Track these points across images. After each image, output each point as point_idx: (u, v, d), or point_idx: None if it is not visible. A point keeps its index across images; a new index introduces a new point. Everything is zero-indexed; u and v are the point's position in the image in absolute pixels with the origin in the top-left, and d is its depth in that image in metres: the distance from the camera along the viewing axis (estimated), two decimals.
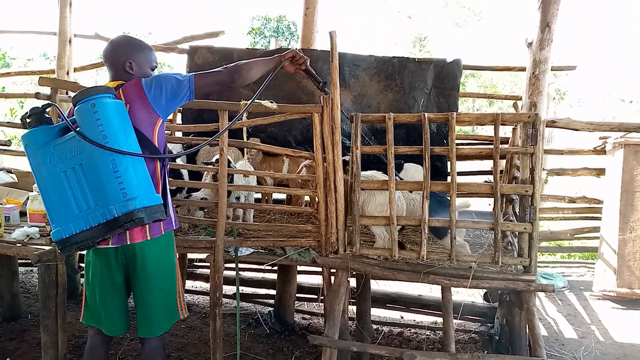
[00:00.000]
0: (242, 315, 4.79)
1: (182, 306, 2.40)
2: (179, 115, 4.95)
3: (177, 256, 2.42)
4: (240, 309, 4.95)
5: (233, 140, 3.27)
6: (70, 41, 5.53)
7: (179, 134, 4.56)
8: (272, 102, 3.04)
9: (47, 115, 2.13)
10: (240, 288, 5.29)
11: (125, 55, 2.30)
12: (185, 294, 5.03)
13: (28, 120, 2.11)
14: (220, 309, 3.16)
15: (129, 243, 2.20)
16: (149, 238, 2.22)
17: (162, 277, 2.30)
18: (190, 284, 5.37)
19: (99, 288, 2.26)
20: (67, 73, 5.55)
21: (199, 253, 3.26)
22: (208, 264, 4.62)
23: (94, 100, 2.00)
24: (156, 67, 2.45)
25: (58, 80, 5.22)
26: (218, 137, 2.97)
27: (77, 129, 1.99)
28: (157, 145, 2.24)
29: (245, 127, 3.75)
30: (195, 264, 5.57)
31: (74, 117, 2.06)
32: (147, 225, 2.19)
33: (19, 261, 4.51)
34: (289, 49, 4.83)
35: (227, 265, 3.28)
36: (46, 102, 2.13)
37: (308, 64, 2.57)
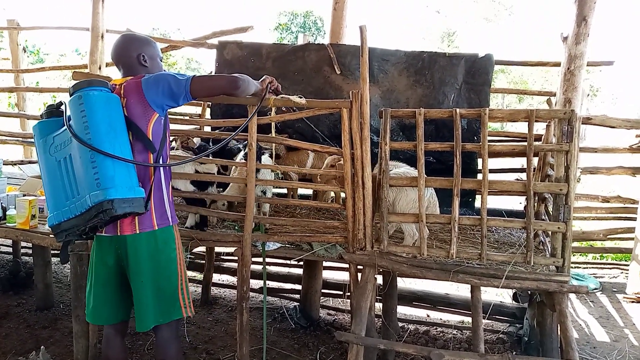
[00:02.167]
0: (268, 309, 4.82)
1: (185, 304, 2.35)
2: (208, 110, 4.99)
3: (180, 252, 2.39)
4: (266, 304, 4.99)
5: (261, 135, 3.27)
6: (102, 37, 5.63)
7: (207, 129, 4.59)
8: (300, 98, 3.03)
9: (60, 110, 2.22)
10: (267, 282, 5.33)
11: (137, 50, 2.37)
12: (212, 287, 5.08)
13: (44, 114, 2.25)
14: (247, 303, 3.17)
15: (119, 234, 2.24)
16: (137, 232, 2.23)
17: (156, 272, 2.28)
18: (217, 278, 5.42)
19: (92, 274, 2.34)
20: (99, 68, 5.65)
21: (227, 247, 3.27)
22: (235, 258, 4.67)
23: (81, 92, 2.08)
24: (162, 58, 2.54)
25: (91, 74, 5.32)
26: (220, 146, 3.08)
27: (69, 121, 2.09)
28: (151, 139, 2.24)
29: (274, 122, 3.74)
30: (223, 257, 5.62)
31: None
32: (135, 219, 2.22)
33: (52, 252, 4.62)
34: (317, 43, 4.82)
35: (254, 259, 3.30)
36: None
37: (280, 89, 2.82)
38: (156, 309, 2.29)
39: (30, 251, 5.45)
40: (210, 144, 4.00)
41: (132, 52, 2.36)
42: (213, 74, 2.42)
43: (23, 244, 5.47)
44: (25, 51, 7.50)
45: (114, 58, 2.42)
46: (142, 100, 2.22)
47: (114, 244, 2.26)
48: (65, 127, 2.09)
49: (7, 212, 3.41)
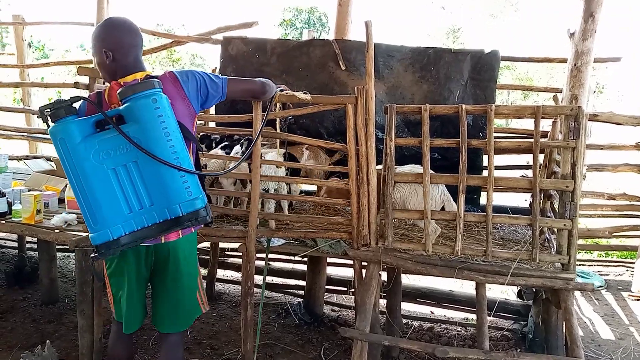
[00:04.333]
0: (272, 305, 4.82)
1: (203, 300, 2.36)
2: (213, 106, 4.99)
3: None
4: (270, 299, 5.00)
5: (266, 131, 3.27)
6: None
7: (212, 124, 4.59)
8: (305, 94, 3.03)
9: (74, 107, 1.96)
10: (270, 278, 5.35)
11: (142, 40, 2.20)
12: (216, 283, 5.09)
13: (54, 110, 1.91)
14: (252, 299, 3.18)
15: (163, 242, 2.14)
16: (181, 237, 2.18)
17: (189, 273, 2.26)
18: (221, 273, 5.43)
19: (126, 285, 2.21)
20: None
21: (232, 243, 3.27)
22: (239, 254, 4.66)
23: (154, 95, 1.87)
24: None
25: (96, 70, 5.32)
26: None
27: (126, 125, 1.87)
28: (196, 138, 2.24)
29: (279, 117, 3.74)
30: (227, 253, 5.63)
31: (117, 109, 1.93)
32: None
33: (57, 247, 4.63)
34: (322, 39, 4.80)
35: (258, 255, 3.30)
36: (76, 95, 1.96)
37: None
38: (191, 309, 2.29)
39: (35, 246, 5.47)
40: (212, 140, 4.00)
41: (139, 42, 2.16)
42: (231, 75, 2.37)
43: (28, 238, 5.49)
44: (30, 46, 7.51)
45: (126, 46, 2.10)
46: (185, 100, 2.12)
47: (152, 253, 2.18)
48: (113, 129, 1.88)
49: (13, 207, 3.42)
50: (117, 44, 2.08)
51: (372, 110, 3.00)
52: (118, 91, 1.93)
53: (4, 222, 3.35)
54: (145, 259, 2.19)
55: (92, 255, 1.94)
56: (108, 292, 2.32)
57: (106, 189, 1.89)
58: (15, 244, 5.70)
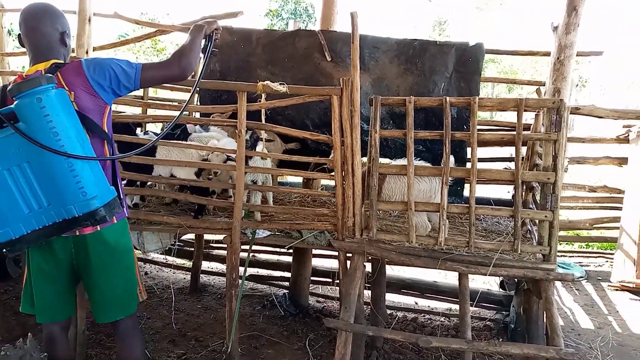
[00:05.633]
0: (257, 297, 4.83)
1: (140, 289, 2.33)
2: (196, 97, 4.94)
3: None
4: (255, 291, 5.00)
5: (250, 122, 3.24)
6: (89, 20, 5.52)
7: (197, 115, 4.55)
8: (282, 84, 3.01)
9: None
10: (256, 270, 5.35)
11: (62, 26, 2.11)
12: (201, 275, 5.08)
13: None
14: (237, 290, 3.17)
15: (77, 234, 2.09)
16: (98, 229, 2.11)
17: (119, 263, 2.22)
18: (206, 265, 5.42)
19: (38, 274, 2.17)
20: (87, 52, 5.55)
21: (216, 234, 3.26)
22: (224, 246, 4.64)
23: (40, 94, 1.79)
24: None
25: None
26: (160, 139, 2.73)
27: (17, 124, 1.80)
28: (106, 131, 2.13)
29: (264, 109, 3.72)
30: (212, 245, 5.61)
31: (10, 107, 1.84)
32: None
33: None
34: (307, 30, 4.77)
35: (243, 247, 3.29)
36: None
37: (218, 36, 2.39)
38: (121, 301, 2.25)
39: None
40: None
41: (55, 27, 2.07)
42: (161, 60, 2.15)
43: None
44: (10, 34, 7.36)
45: (28, 36, 2.05)
46: (91, 92, 2.04)
47: (70, 243, 2.13)
48: (9, 130, 1.81)
49: None
50: (25, 31, 2.04)
51: (357, 101, 3.00)
52: (8, 89, 1.88)
53: None
54: (61, 249, 2.12)
55: (3, 251, 1.91)
56: (23, 282, 2.27)
57: (3, 190, 1.86)
58: None
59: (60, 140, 1.81)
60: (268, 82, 3.02)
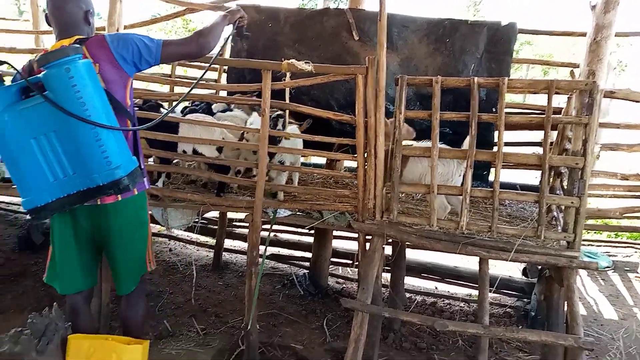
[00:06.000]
0: (278, 276, 4.88)
1: (150, 259, 2.42)
2: (224, 76, 4.95)
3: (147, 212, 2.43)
4: (276, 270, 5.05)
5: (274, 101, 3.23)
6: None
7: (223, 93, 4.57)
8: (307, 63, 2.98)
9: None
10: (277, 250, 5.39)
11: (86, 5, 2.18)
12: (224, 253, 5.14)
13: None
14: (257, 268, 3.20)
15: (99, 204, 2.15)
16: (119, 199, 2.17)
17: (135, 235, 2.30)
18: (229, 243, 5.48)
19: (62, 244, 2.23)
20: (117, 30, 5.61)
21: (239, 212, 3.29)
22: (247, 224, 4.68)
23: (68, 64, 1.83)
24: None
25: None
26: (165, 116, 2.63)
27: (46, 93, 1.84)
28: (128, 105, 2.18)
29: (288, 88, 3.70)
30: (235, 224, 5.67)
31: (37, 76, 1.89)
32: None
33: None
34: (336, 8, 4.70)
35: (265, 226, 3.31)
36: None
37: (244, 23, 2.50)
38: (134, 271, 2.35)
39: None
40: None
41: (79, 6, 2.15)
42: (182, 37, 2.26)
43: None
44: (45, 11, 7.48)
45: (54, 14, 2.13)
46: (115, 64, 2.10)
47: (92, 212, 2.19)
48: (37, 99, 1.86)
49: None
50: (52, 10, 2.12)
51: (383, 81, 2.95)
52: (36, 59, 1.92)
53: (14, 187, 3.39)
54: (84, 217, 2.19)
55: (28, 218, 1.97)
56: (49, 254, 2.33)
57: (30, 158, 1.90)
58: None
59: (87, 110, 1.85)
60: (293, 60, 2.99)
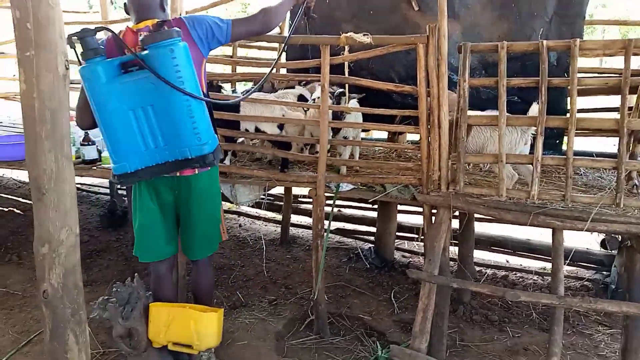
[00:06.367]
0: (344, 249, 4.94)
1: (223, 229, 2.63)
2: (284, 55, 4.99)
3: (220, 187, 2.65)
4: (342, 244, 5.12)
5: (333, 76, 3.23)
6: None
7: (283, 71, 4.61)
8: (365, 35, 2.95)
9: (100, 45, 2.10)
10: (342, 224, 5.45)
11: None
12: (290, 228, 5.27)
13: (84, 52, 2.05)
14: (322, 240, 3.26)
15: (178, 175, 2.33)
16: (197, 172, 2.36)
17: (210, 204, 2.47)
18: (295, 219, 5.60)
19: (146, 213, 2.41)
20: (180, 15, 5.78)
21: (303, 187, 3.36)
22: (311, 200, 4.75)
23: (172, 45, 2.02)
24: None
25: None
26: (249, 95, 3.01)
27: (141, 70, 2.04)
28: (203, 84, 2.33)
29: (347, 62, 3.68)
30: (300, 200, 5.78)
31: (140, 53, 2.06)
32: None
33: None
34: None
35: (329, 201, 3.36)
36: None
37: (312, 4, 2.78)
38: (209, 238, 2.55)
39: (125, 192, 5.92)
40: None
41: None
42: (247, 16, 2.47)
43: None
44: (112, 3, 7.85)
45: (134, 0, 2.31)
46: (193, 44, 2.26)
47: (173, 183, 2.37)
48: (139, 74, 2.05)
49: (102, 154, 3.69)
50: None
51: (445, 49, 2.88)
52: (141, 38, 2.12)
53: (95, 168, 3.64)
54: (166, 187, 2.38)
55: (114, 181, 2.23)
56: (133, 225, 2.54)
57: (126, 128, 2.09)
58: (107, 190, 6.19)
59: (186, 88, 2.04)
60: (351, 33, 2.98)
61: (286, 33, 4.50)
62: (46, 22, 1.42)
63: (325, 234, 3.30)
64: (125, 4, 2.38)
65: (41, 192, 1.55)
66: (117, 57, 2.14)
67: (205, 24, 2.30)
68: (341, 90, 3.47)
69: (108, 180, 5.32)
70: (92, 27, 2.11)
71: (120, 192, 5.59)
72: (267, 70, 4.93)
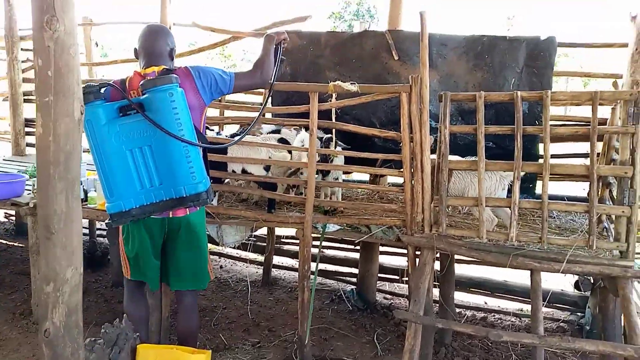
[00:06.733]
0: (326, 291, 4.96)
1: (210, 268, 2.73)
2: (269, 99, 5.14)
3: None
4: (324, 286, 5.14)
5: (321, 121, 3.37)
6: (170, 29, 5.89)
7: (269, 115, 4.73)
8: (352, 84, 3.12)
9: (102, 92, 2.27)
10: (324, 266, 5.48)
11: (171, 43, 2.54)
12: (272, 269, 5.28)
13: (85, 94, 2.06)
14: (309, 282, 3.31)
15: (171, 216, 2.44)
16: (188, 213, 2.47)
17: (198, 242, 2.58)
18: (277, 260, 5.60)
19: (144, 252, 2.51)
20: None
21: (289, 228, 3.43)
22: (294, 241, 4.79)
23: (171, 89, 2.16)
24: None
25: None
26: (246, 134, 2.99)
27: (144, 112, 2.17)
28: (201, 131, 2.47)
29: (334, 108, 3.84)
30: (283, 240, 5.80)
31: (139, 98, 2.23)
32: None
33: None
34: (375, 30, 4.85)
35: (314, 242, 3.42)
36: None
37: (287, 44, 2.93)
38: (196, 274, 2.62)
39: (104, 232, 5.86)
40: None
41: (167, 44, 2.51)
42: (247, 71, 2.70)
43: (98, 225, 5.88)
44: (97, 45, 7.97)
45: (146, 47, 2.48)
46: (195, 92, 2.41)
47: (164, 224, 2.47)
48: (138, 116, 2.17)
49: (88, 194, 3.71)
50: (144, 43, 2.48)
51: (427, 98, 3.06)
52: (141, 83, 2.24)
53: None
54: (159, 230, 2.48)
55: (107, 222, 2.29)
56: (122, 255, 2.63)
57: (123, 167, 2.20)
58: (87, 231, 6.10)
59: (182, 130, 2.17)
60: (339, 82, 3.14)
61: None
62: (66, 70, 1.50)
63: (313, 275, 3.34)
64: (135, 49, 2.54)
65: (50, 231, 1.59)
66: (118, 101, 2.26)
67: (210, 75, 2.46)
68: (329, 135, 3.60)
69: (87, 220, 5.29)
70: (96, 84, 2.26)
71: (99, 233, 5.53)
72: (255, 114, 5.10)
